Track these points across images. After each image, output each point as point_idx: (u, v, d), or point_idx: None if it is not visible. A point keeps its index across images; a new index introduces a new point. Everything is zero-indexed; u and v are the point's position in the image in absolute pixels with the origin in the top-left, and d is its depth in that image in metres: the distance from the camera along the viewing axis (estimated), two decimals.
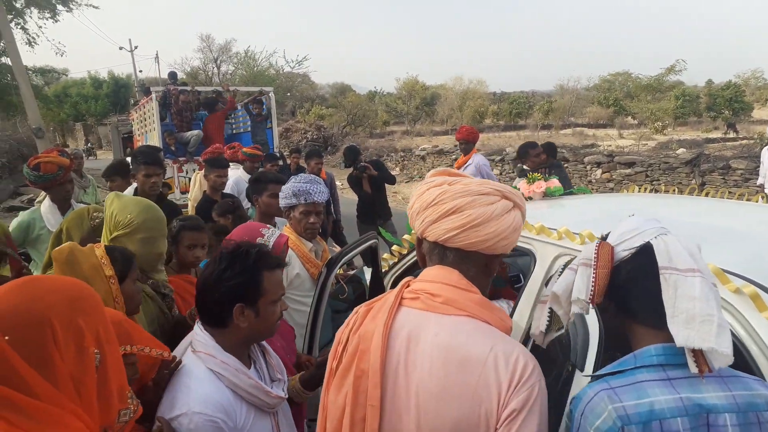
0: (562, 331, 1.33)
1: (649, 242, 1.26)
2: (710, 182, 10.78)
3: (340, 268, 3.04)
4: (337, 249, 4.99)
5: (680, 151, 13.51)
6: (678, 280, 1.20)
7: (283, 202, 3.13)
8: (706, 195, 3.36)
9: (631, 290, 1.27)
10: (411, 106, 37.78)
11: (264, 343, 1.91)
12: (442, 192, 1.35)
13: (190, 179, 8.78)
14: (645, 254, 1.26)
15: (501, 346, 1.24)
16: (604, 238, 1.38)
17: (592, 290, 1.26)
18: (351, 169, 6.93)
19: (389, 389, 1.30)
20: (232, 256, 1.73)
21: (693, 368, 1.17)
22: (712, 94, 31.78)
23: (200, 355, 1.68)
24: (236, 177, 5.97)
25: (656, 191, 3.74)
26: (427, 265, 1.43)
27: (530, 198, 3.19)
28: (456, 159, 10.02)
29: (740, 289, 1.66)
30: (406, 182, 17.48)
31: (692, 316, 1.16)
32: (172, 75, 12.88)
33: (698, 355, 1.17)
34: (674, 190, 3.79)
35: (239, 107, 11.97)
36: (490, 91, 44.89)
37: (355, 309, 1.46)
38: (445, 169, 1.45)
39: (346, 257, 2.86)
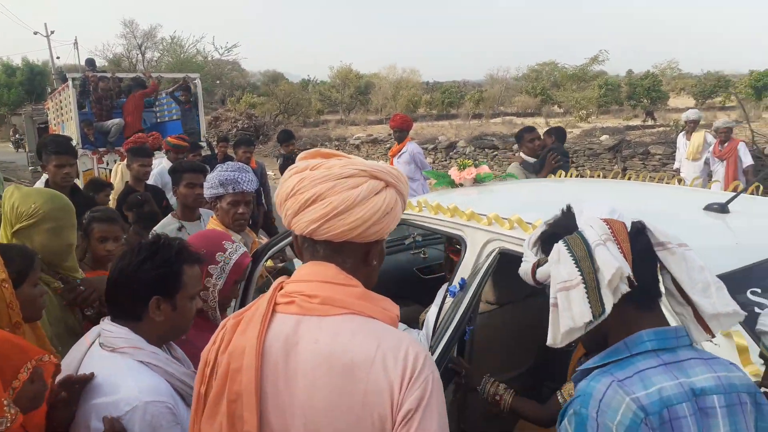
0: (605, 316, 1.16)
1: (636, 221, 1.25)
2: (631, 167, 11.29)
3: (268, 260, 2.94)
4: None
5: (603, 138, 14.07)
6: (683, 253, 1.20)
7: (208, 192, 3.00)
8: (628, 179, 3.48)
9: (636, 268, 1.19)
10: (345, 94, 37.53)
11: None
12: (300, 179, 1.20)
13: (110, 171, 8.34)
14: (641, 231, 1.24)
15: (388, 342, 1.13)
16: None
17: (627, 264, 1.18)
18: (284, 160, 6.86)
19: (271, 411, 1.16)
20: (152, 247, 1.66)
21: (703, 337, 1.20)
22: (632, 83, 33.29)
23: (125, 350, 1.58)
24: (160, 168, 5.71)
25: (582, 176, 3.84)
26: (303, 260, 1.28)
27: (461, 184, 3.20)
28: (390, 147, 10.01)
29: None
30: None
31: (707, 285, 1.18)
32: (90, 62, 12.22)
33: (702, 322, 1.20)
34: (599, 175, 3.91)
35: (164, 95, 11.52)
36: (423, 81, 45.28)
37: (222, 322, 1.28)
38: (318, 150, 1.30)
39: (272, 249, 2.77)
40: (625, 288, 1.16)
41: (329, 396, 1.11)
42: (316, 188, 1.18)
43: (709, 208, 2.24)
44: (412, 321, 2.99)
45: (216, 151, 8.32)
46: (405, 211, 2.78)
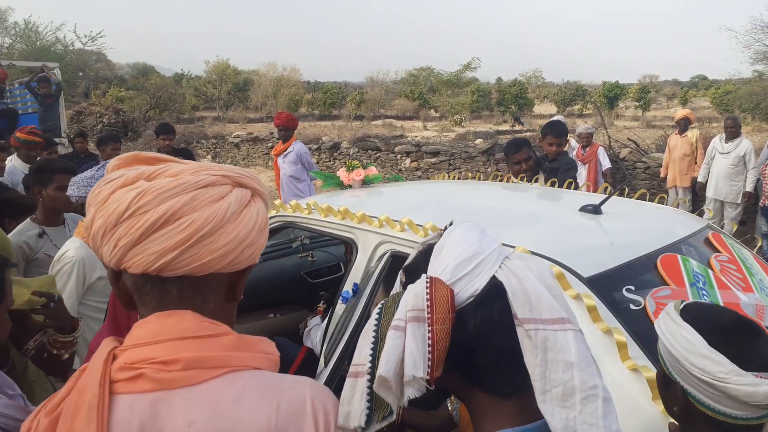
0: (393, 418, 0.91)
1: (496, 279, 0.88)
2: (503, 169, 11.94)
3: None
4: None
5: (478, 141, 14.80)
6: (547, 337, 0.83)
7: (87, 191, 2.67)
8: (507, 180, 3.64)
9: (478, 350, 0.88)
10: (222, 91, 36.19)
11: None
12: (139, 194, 0.86)
13: None
14: (495, 297, 0.87)
15: (288, 397, 0.88)
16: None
17: (429, 359, 0.83)
18: None
19: None
20: None
21: None
22: (501, 90, 35.43)
23: None
24: (9, 166, 5.08)
25: (465, 178, 3.96)
26: (139, 311, 0.94)
27: (350, 186, 3.16)
28: (272, 147, 9.77)
29: None
30: None
31: (570, 391, 0.81)
32: None
33: None
34: (479, 177, 4.06)
35: (17, 85, 10.41)
36: (305, 80, 44.98)
37: (26, 425, 0.90)
38: (137, 155, 0.96)
39: None
40: (413, 393, 0.84)
41: None
42: (166, 204, 0.86)
43: (584, 209, 2.38)
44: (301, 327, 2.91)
45: (75, 147, 7.58)
46: (294, 213, 2.70)
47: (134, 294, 0.93)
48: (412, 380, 0.83)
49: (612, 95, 34.03)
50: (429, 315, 0.84)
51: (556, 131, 4.23)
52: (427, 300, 0.85)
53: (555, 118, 9.63)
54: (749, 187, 7.27)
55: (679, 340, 1.15)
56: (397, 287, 1.01)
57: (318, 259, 3.93)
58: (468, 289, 0.87)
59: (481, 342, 0.87)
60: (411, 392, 0.84)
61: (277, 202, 2.86)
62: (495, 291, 0.87)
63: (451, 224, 0.99)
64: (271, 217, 2.80)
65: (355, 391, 0.91)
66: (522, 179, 3.71)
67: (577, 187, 3.28)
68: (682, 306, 1.23)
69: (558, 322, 0.84)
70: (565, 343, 0.83)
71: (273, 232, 2.85)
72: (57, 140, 7.29)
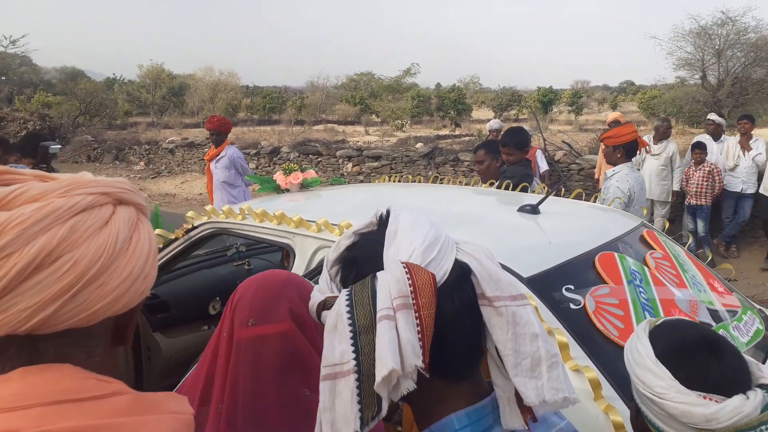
0: (383, 415, 0.81)
1: (460, 262, 0.86)
2: (443, 173, 12.05)
3: None
4: None
5: (419, 145, 14.91)
6: (516, 313, 0.83)
7: None
8: (448, 183, 3.63)
9: (450, 334, 0.84)
10: (156, 96, 35.06)
11: None
12: None
13: None
14: (464, 279, 0.85)
15: None
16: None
17: (420, 345, 0.78)
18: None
19: None
20: None
21: (518, 423, 0.84)
22: (440, 96, 35.88)
23: None
24: None
25: (406, 181, 3.93)
26: None
27: (288, 190, 3.06)
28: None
29: None
30: (153, 178, 16.12)
31: (537, 361, 0.82)
32: None
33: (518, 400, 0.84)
34: (420, 180, 4.04)
35: None
36: (243, 84, 44.22)
37: None
38: None
39: None
40: (411, 385, 0.79)
41: None
42: (38, 242, 0.63)
43: (522, 209, 2.38)
44: None
45: None
46: (227, 219, 2.57)
47: None
48: (413, 370, 0.78)
49: (546, 100, 35.10)
50: (414, 301, 0.80)
51: (505, 139, 4.16)
52: (410, 285, 0.81)
53: (493, 121, 9.80)
54: (676, 187, 7.60)
55: (633, 354, 1.11)
56: (326, 282, 0.93)
57: (255, 267, 3.80)
58: (437, 273, 0.84)
59: (454, 325, 0.85)
60: (408, 384, 0.78)
61: (209, 207, 2.73)
62: (461, 273, 0.85)
63: (387, 211, 0.94)
64: (202, 224, 2.66)
65: (339, 394, 0.81)
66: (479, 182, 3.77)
67: (523, 190, 3.29)
68: (658, 322, 1.17)
69: (519, 298, 0.86)
70: (528, 316, 0.85)
71: (204, 240, 2.71)
72: None
